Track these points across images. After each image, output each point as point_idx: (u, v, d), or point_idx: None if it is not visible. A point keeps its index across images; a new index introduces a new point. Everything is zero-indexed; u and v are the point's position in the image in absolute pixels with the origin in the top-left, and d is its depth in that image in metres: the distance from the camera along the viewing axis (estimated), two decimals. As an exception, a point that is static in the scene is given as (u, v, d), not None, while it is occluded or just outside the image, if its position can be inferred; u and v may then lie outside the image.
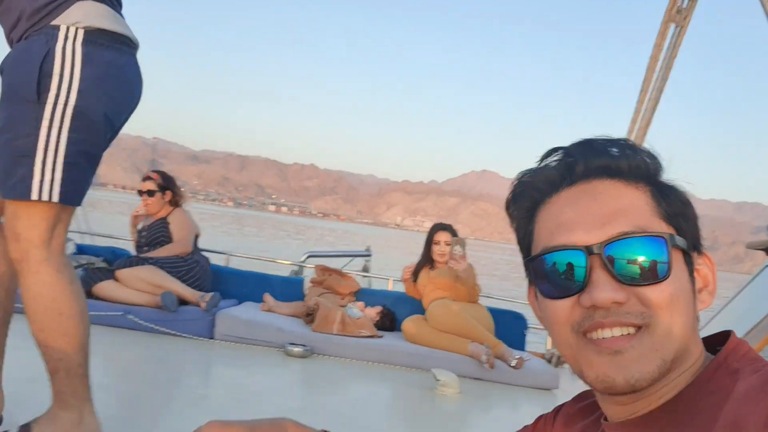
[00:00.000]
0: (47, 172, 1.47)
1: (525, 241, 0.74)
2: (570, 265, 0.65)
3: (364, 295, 4.35)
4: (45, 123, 1.47)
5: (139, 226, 4.31)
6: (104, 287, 3.65)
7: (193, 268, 4.02)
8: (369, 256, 5.90)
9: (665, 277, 0.63)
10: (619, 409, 0.68)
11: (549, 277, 0.67)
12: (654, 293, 0.62)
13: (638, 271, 0.63)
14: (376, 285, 5.36)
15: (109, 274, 3.75)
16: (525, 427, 0.87)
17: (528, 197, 0.72)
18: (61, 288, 1.52)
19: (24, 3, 1.50)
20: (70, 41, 1.50)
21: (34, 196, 1.46)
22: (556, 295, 0.66)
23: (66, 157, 1.48)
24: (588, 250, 0.64)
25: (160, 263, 3.86)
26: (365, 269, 5.72)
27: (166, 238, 4.13)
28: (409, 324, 3.78)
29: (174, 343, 3.35)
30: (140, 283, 3.66)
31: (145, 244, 4.17)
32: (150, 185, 4.21)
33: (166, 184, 4.28)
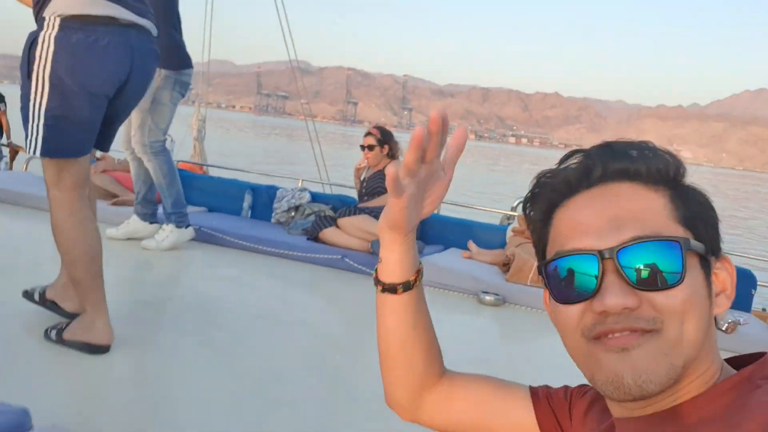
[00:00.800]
0: (33, 133, 1.97)
1: (540, 244, 0.74)
2: (582, 270, 0.64)
3: (567, 245, 4.31)
4: (32, 96, 1.95)
5: (362, 177, 4.86)
6: (328, 233, 4.26)
7: (403, 216, 4.42)
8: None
9: (678, 283, 0.62)
10: (628, 411, 0.68)
11: (562, 281, 0.67)
12: (666, 299, 0.62)
13: (651, 276, 0.62)
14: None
15: (333, 221, 4.35)
16: (565, 386, 0.87)
17: (545, 199, 0.72)
18: (64, 214, 2.01)
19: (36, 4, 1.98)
20: (49, 29, 1.93)
21: (30, 152, 1.99)
22: (569, 299, 0.66)
23: (45, 120, 1.95)
24: (600, 255, 0.63)
25: (375, 212, 4.34)
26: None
27: (382, 189, 4.58)
28: (610, 278, 3.67)
29: (381, 285, 3.79)
30: (356, 231, 4.19)
31: (366, 193, 4.70)
32: (370, 140, 4.70)
33: (385, 138, 4.72)
